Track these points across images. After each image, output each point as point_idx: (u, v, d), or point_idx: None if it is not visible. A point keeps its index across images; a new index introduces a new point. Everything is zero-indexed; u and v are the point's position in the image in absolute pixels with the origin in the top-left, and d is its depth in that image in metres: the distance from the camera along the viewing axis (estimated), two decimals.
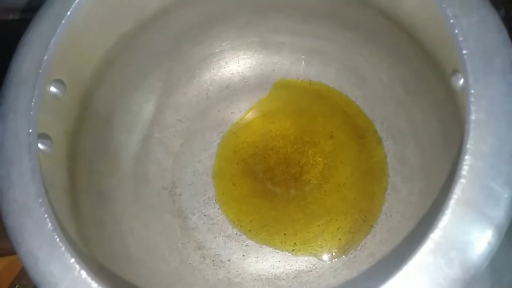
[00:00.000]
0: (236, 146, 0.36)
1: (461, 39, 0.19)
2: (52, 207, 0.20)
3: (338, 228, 0.33)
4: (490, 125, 0.17)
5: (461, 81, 0.24)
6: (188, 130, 0.37)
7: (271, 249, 0.33)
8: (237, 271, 0.33)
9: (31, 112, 0.21)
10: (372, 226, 0.33)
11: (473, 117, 0.18)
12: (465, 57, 0.18)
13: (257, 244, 0.34)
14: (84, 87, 0.29)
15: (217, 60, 0.37)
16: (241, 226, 0.34)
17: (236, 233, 0.34)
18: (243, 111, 0.37)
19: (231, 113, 0.37)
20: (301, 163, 0.35)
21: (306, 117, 0.36)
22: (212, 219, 0.34)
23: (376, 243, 0.32)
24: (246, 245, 0.34)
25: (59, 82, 0.25)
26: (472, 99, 0.18)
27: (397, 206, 0.33)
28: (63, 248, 0.18)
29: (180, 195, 0.35)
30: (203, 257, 0.33)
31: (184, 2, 0.31)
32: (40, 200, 0.19)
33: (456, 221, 0.17)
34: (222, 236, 0.34)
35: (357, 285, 0.26)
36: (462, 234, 0.17)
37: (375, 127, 0.35)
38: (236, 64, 0.38)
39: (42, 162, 0.23)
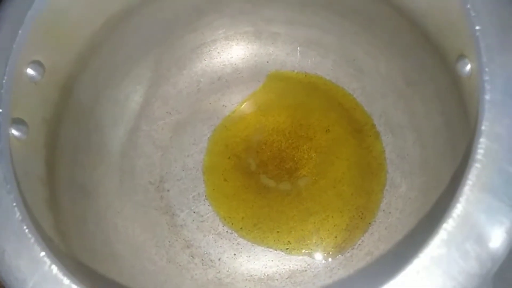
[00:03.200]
0: (228, 140, 0.34)
1: (473, 14, 0.17)
2: (22, 195, 0.17)
3: (334, 226, 0.31)
4: (507, 106, 0.16)
5: (468, 66, 0.22)
6: (178, 123, 0.35)
7: (263, 247, 0.31)
8: (227, 271, 0.31)
9: (2, 90, 0.18)
10: (369, 223, 0.31)
11: (487, 96, 0.16)
12: (478, 33, 0.17)
13: (249, 242, 0.32)
14: (66, 72, 0.26)
15: (209, 50, 0.36)
16: (232, 224, 0.32)
17: (227, 231, 0.32)
18: (236, 104, 0.35)
19: (223, 106, 0.35)
20: (295, 158, 0.33)
21: (301, 111, 0.35)
22: (202, 216, 0.33)
23: (374, 241, 0.31)
24: (238, 244, 0.32)
25: (37, 64, 0.23)
26: (486, 78, 0.16)
27: (396, 203, 0.31)
28: (32, 240, 0.16)
29: (168, 190, 0.33)
30: (192, 256, 0.31)
31: None
32: (8, 186, 0.17)
33: (471, 209, 0.15)
34: (212, 234, 0.32)
35: (358, 284, 0.25)
36: (478, 224, 0.15)
37: (373, 121, 0.33)
38: (228, 54, 0.36)
39: (16, 148, 0.21)
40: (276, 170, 0.33)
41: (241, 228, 0.32)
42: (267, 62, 0.36)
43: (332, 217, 0.32)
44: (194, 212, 0.33)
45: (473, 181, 0.15)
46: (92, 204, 0.30)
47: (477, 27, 0.17)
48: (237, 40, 0.36)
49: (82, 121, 0.30)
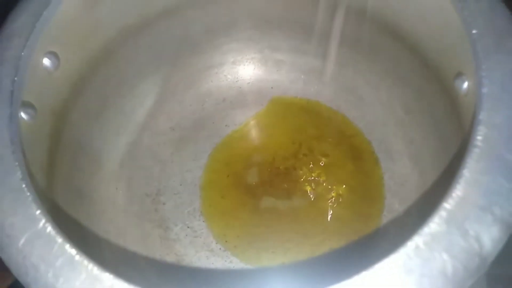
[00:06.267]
0: (229, 158, 0.35)
1: (470, 20, 0.18)
2: (26, 159, 0.18)
3: (331, 249, 0.31)
4: (505, 99, 0.17)
5: (465, 84, 0.23)
6: (180, 139, 0.35)
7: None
8: None
9: (20, 61, 0.19)
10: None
11: (485, 90, 0.17)
12: (475, 36, 0.18)
13: (241, 262, 0.31)
14: (78, 70, 0.28)
15: (216, 73, 0.37)
16: (226, 241, 0.32)
17: (220, 248, 0.31)
18: (238, 125, 0.36)
19: (226, 125, 0.36)
20: (295, 180, 0.34)
21: (302, 135, 0.35)
22: (196, 231, 0.32)
23: None
24: (230, 262, 0.31)
25: (53, 55, 0.24)
26: (483, 74, 0.17)
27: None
28: (30, 198, 0.16)
29: (164, 203, 0.33)
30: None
31: (191, 3, 0.31)
32: (13, 147, 0.17)
33: (470, 190, 0.15)
34: (205, 251, 0.31)
35: None
36: (477, 205, 0.15)
37: (373, 148, 0.34)
38: (234, 78, 0.37)
39: (22, 127, 0.21)
40: (274, 190, 0.33)
41: (235, 246, 0.32)
42: (271, 87, 0.37)
43: (329, 240, 0.31)
44: (188, 227, 0.32)
45: (472, 165, 0.16)
46: (86, 207, 0.30)
47: (474, 31, 0.18)
48: (244, 65, 0.37)
49: (87, 123, 0.30)
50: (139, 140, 0.35)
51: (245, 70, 0.37)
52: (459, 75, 0.24)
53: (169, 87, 0.36)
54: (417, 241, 0.14)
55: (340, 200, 0.33)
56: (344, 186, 0.33)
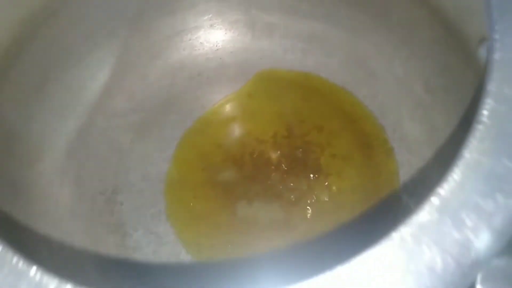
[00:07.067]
0: (203, 148, 0.37)
1: None
2: None
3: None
4: None
5: None
6: (143, 122, 0.37)
7: None
8: None
9: None
10: None
11: (497, 56, 0.19)
12: None
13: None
14: (11, 33, 0.29)
15: (190, 39, 0.39)
16: (198, 251, 0.33)
17: (190, 260, 0.33)
18: (217, 105, 0.38)
19: (201, 106, 0.38)
20: (286, 175, 0.35)
21: (297, 119, 0.37)
22: (161, 238, 0.34)
23: None
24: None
25: None
26: (496, 36, 0.19)
27: None
28: None
29: (121, 204, 0.35)
30: None
31: None
32: None
33: (469, 174, 0.17)
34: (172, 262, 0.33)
35: None
36: (477, 192, 0.17)
37: (385, 135, 0.36)
38: (213, 46, 0.39)
39: None
40: (261, 189, 0.35)
41: (210, 257, 0.33)
42: (260, 58, 0.39)
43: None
44: (151, 233, 0.34)
45: (475, 144, 0.17)
46: (22, 207, 0.31)
47: None
48: (226, 29, 0.39)
49: (23, 101, 0.32)
50: (90, 124, 0.36)
51: (227, 36, 0.39)
52: (482, 41, 0.25)
53: (129, 57, 0.38)
54: (403, 232, 0.16)
55: (344, 201, 0.34)
56: (349, 184, 0.35)
